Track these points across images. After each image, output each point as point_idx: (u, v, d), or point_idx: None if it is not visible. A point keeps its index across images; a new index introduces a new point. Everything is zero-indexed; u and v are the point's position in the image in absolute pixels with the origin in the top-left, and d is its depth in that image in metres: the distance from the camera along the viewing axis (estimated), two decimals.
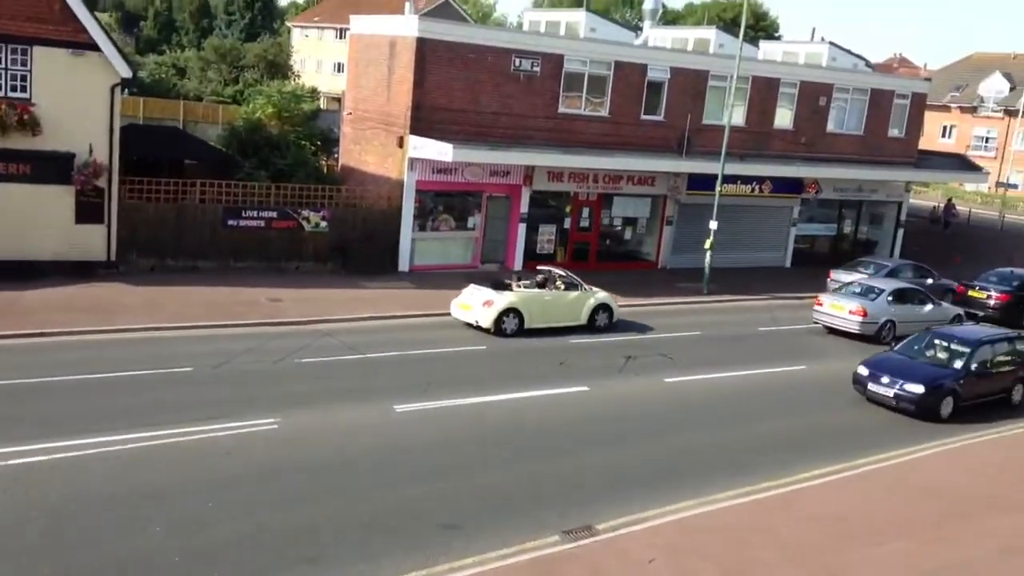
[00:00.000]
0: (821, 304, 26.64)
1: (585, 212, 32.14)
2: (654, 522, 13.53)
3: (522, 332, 22.92)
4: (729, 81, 31.51)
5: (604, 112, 31.09)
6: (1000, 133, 73.13)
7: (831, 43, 40.78)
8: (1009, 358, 21.01)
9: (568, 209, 31.82)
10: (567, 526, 13.16)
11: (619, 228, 33.40)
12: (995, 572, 13.06)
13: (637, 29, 43.37)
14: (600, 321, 24.40)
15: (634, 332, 24.63)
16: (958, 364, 20.01)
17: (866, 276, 29.67)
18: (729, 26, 52.03)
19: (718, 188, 29.85)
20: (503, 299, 22.84)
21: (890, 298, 26.06)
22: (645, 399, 19.37)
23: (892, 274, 30.36)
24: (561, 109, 30.16)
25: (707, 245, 29.95)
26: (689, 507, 14.16)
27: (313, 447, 15.15)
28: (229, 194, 26.68)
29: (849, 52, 40.80)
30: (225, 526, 12.34)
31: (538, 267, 25.91)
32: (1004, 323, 28.76)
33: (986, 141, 74.47)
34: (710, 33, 38.74)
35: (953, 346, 20.48)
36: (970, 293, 29.96)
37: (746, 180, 33.51)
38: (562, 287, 24.23)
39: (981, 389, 20.30)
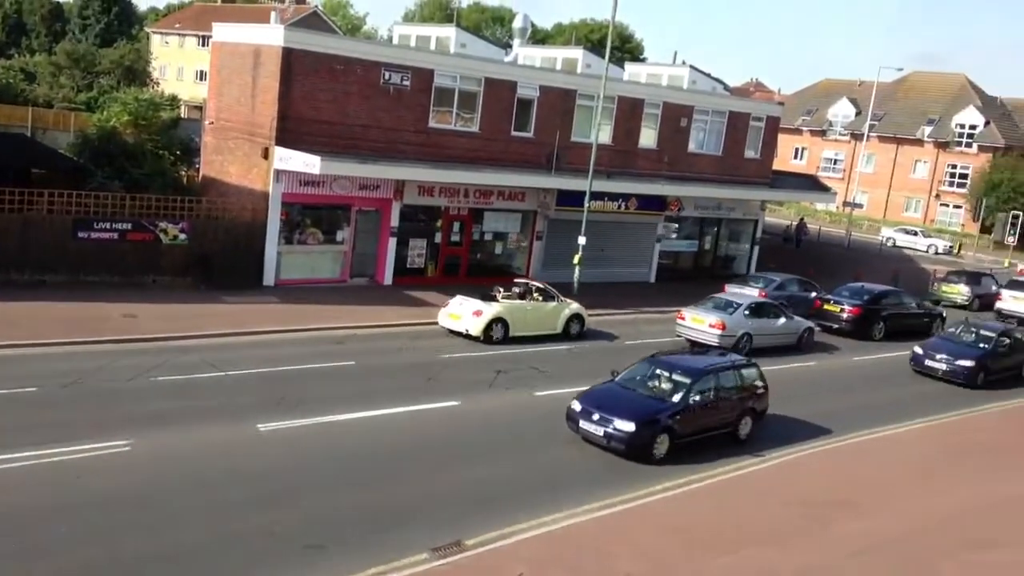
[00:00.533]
0: (683, 318, 27.48)
1: (456, 226, 32.14)
2: (522, 536, 13.58)
3: (507, 340, 24.50)
4: (596, 100, 32.23)
5: (475, 128, 31.24)
6: (847, 155, 77.70)
7: (692, 67, 42.42)
8: (735, 387, 19.07)
9: (439, 223, 31.76)
10: (436, 543, 13.02)
11: (490, 242, 33.57)
12: (846, 574, 13.67)
13: (507, 47, 43.84)
14: (573, 329, 26.30)
15: (604, 340, 26.94)
16: (677, 397, 17.82)
17: (758, 289, 31.68)
18: (596, 47, 53.30)
19: (586, 204, 30.43)
20: (491, 309, 24.44)
21: (747, 312, 27.14)
22: (515, 412, 19.44)
23: (780, 287, 32.60)
24: (431, 124, 30.10)
25: (575, 260, 30.45)
26: (556, 519, 14.28)
27: (169, 468, 14.48)
28: (80, 205, 25.36)
29: (709, 76, 42.49)
30: (75, 553, 11.64)
31: (515, 279, 27.28)
32: (856, 335, 30.69)
33: (834, 163, 78.97)
34: (577, 53, 39.60)
35: (675, 376, 18.29)
36: (825, 307, 31.55)
37: (613, 197, 34.35)
38: (540, 299, 25.98)
39: (703, 424, 18.23)
